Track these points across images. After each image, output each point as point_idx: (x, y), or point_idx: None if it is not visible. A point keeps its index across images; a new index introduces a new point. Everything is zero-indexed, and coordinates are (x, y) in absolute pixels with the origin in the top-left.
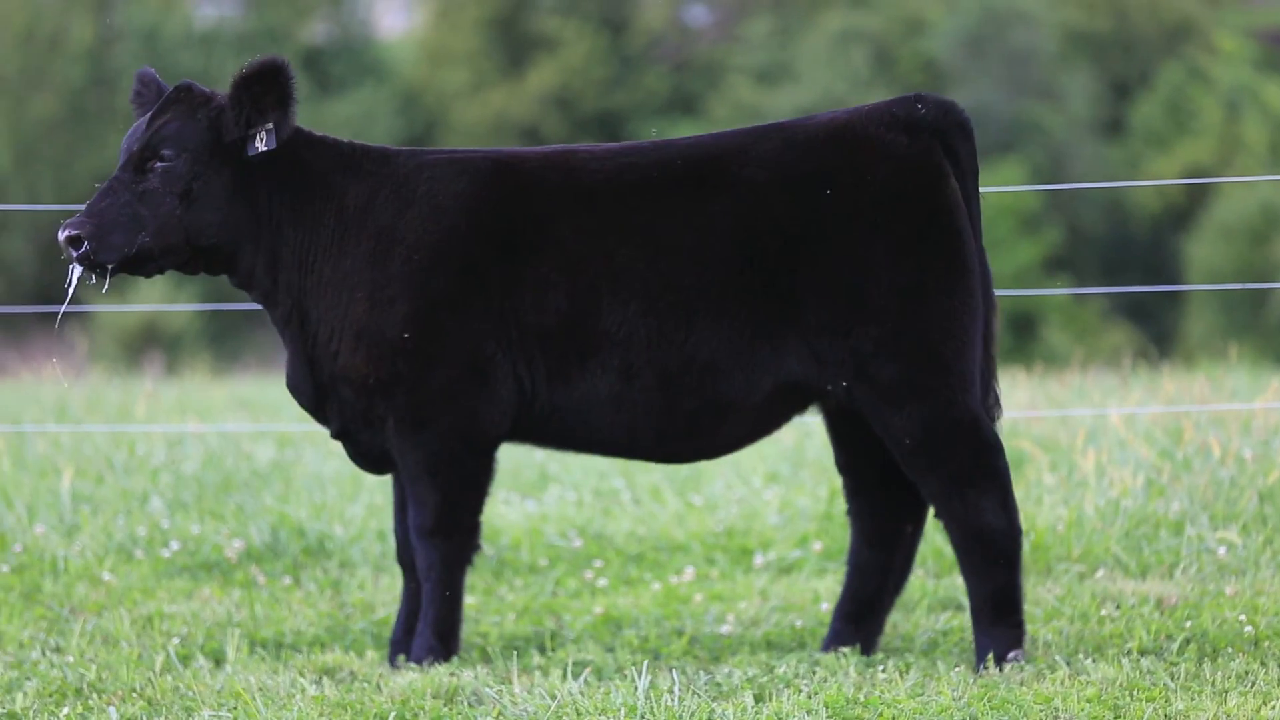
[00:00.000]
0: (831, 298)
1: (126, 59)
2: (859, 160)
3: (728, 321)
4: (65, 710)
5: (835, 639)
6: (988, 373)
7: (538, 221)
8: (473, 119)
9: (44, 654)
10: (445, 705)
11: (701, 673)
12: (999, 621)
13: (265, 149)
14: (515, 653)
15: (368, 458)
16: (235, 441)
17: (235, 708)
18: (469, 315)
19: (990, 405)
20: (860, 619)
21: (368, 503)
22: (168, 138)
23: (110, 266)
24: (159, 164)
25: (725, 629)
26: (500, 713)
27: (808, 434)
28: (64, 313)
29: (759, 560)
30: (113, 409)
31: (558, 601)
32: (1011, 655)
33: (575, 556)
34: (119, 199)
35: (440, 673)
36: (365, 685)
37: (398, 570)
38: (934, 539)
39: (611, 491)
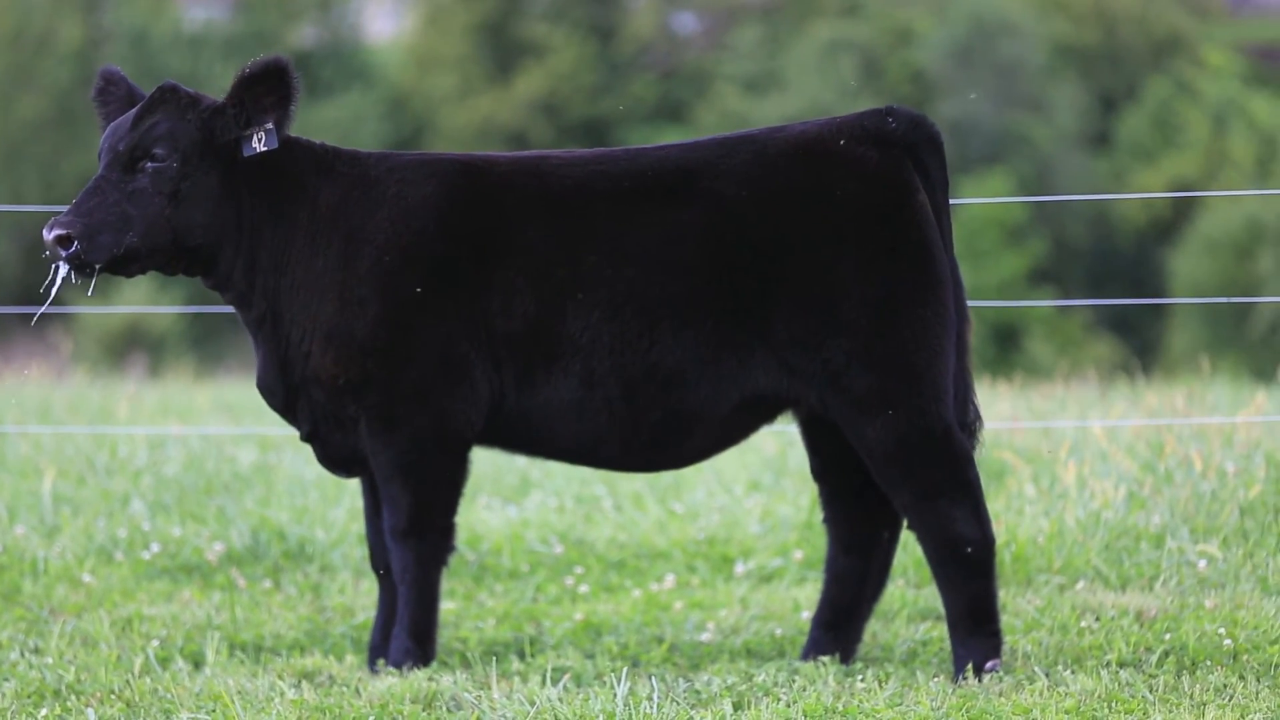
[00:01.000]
0: (802, 310)
1: (115, 60)
2: (829, 175)
3: (693, 332)
4: (44, 712)
5: (814, 647)
6: (965, 385)
7: (506, 225)
8: (460, 124)
9: (23, 655)
10: (424, 710)
11: (681, 680)
12: (976, 631)
13: (264, 149)
14: (495, 658)
15: (336, 460)
16: (217, 444)
17: (214, 710)
18: (440, 315)
19: (970, 419)
20: (839, 627)
21: (349, 507)
22: (160, 138)
23: (98, 267)
24: (150, 164)
25: (705, 636)
26: (479, 718)
27: (790, 443)
28: (43, 312)
29: (740, 568)
30: (95, 410)
31: (538, 607)
32: (989, 665)
33: (556, 562)
34: (107, 199)
35: (419, 678)
36: (344, 689)
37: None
38: (913, 549)
39: (593, 498)
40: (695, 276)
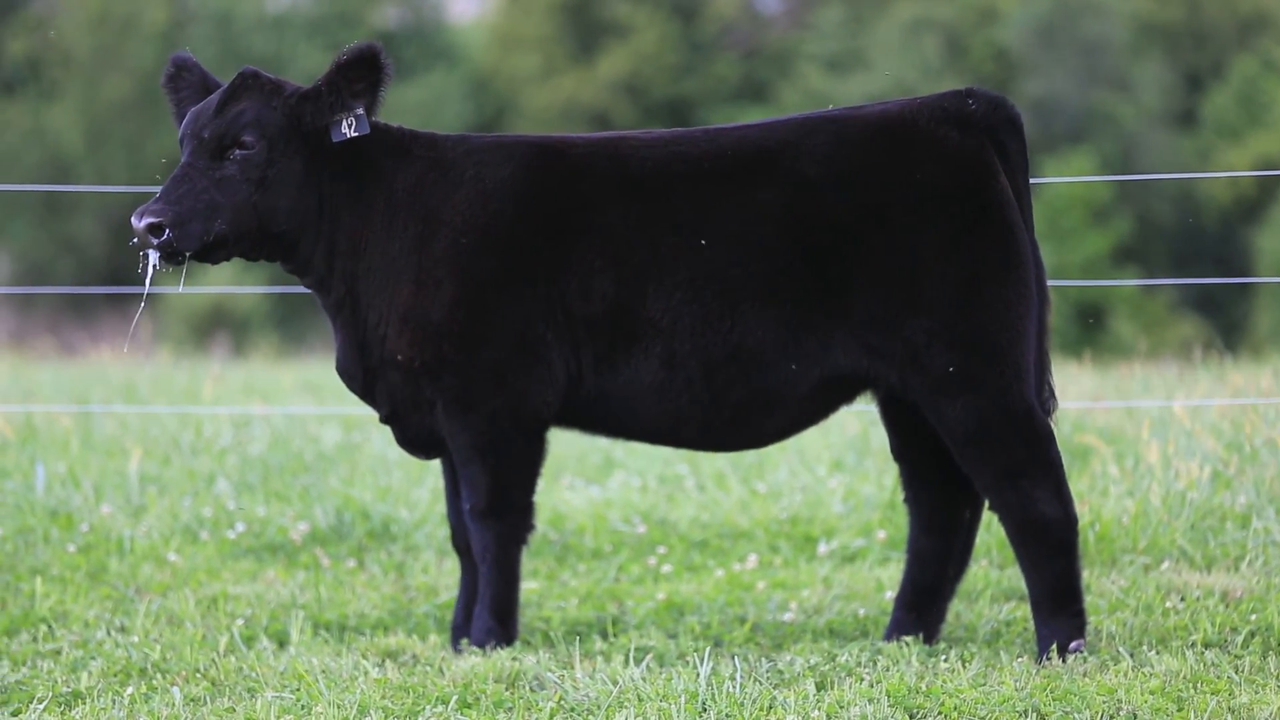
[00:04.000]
0: (883, 291)
1: (199, 41)
2: (910, 155)
3: (774, 313)
4: (129, 690)
5: (896, 628)
6: (1042, 366)
7: (584, 207)
8: (543, 104)
9: (109, 634)
10: (507, 690)
11: (763, 660)
12: (1059, 611)
13: (355, 134)
14: (578, 638)
15: (415, 442)
16: (301, 424)
17: (298, 689)
18: (516, 297)
19: (1045, 398)
20: (921, 607)
21: (432, 486)
22: (248, 124)
23: (188, 255)
24: (239, 151)
25: (788, 616)
26: (562, 698)
27: (872, 422)
28: (144, 302)
29: (822, 548)
30: (180, 391)
31: (621, 587)
32: (1074, 645)
33: (639, 542)
34: (195, 186)
35: (502, 657)
36: (428, 669)
37: None
38: (996, 530)
39: (676, 478)
40: (777, 256)
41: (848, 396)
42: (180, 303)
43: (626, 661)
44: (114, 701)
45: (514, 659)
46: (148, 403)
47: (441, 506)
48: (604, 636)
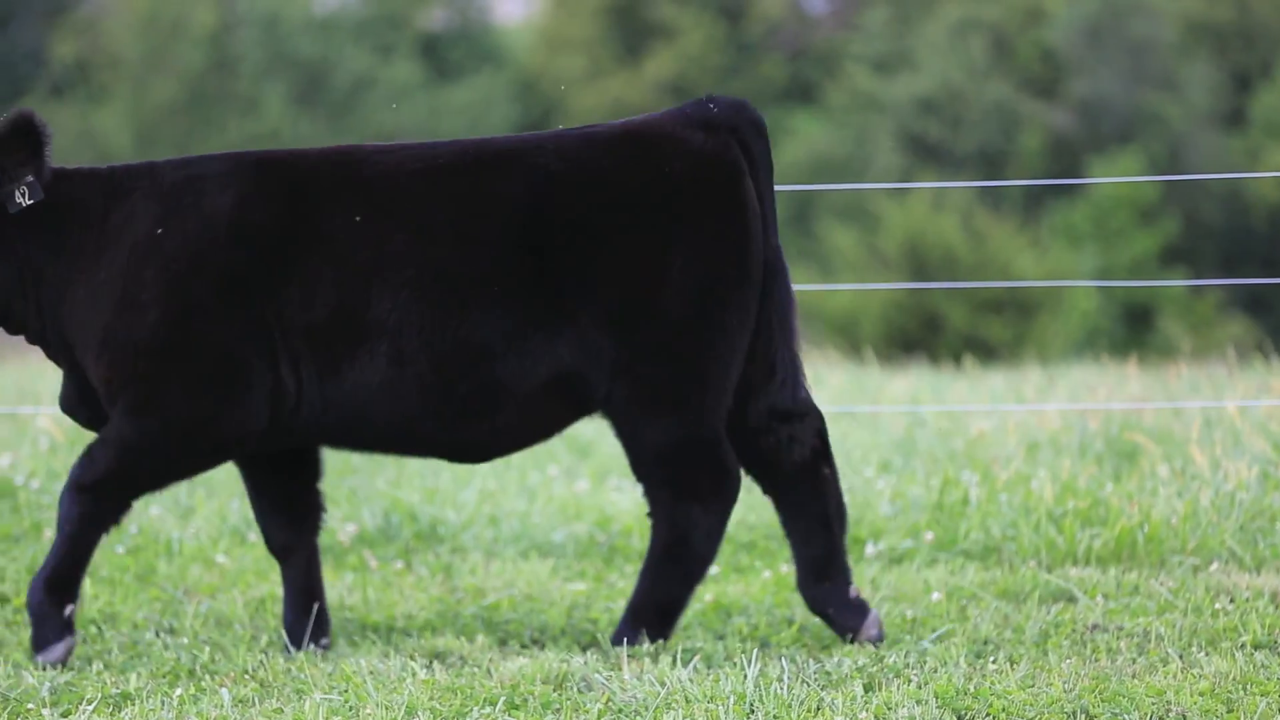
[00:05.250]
0: (614, 294)
1: (247, 44)
2: (655, 155)
3: (502, 307)
4: (178, 691)
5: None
6: (795, 367)
7: (308, 216)
8: (589, 106)
9: (158, 635)
10: (555, 691)
11: (811, 661)
12: (652, 625)
13: (30, 201)
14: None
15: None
16: None
17: (346, 691)
18: (222, 320)
19: (801, 398)
20: (827, 574)
21: (480, 488)
22: None
23: None
24: None
25: None
26: (609, 699)
27: (919, 423)
28: None
29: (870, 549)
30: None
31: None
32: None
33: None
34: None
35: (550, 658)
36: (475, 670)
37: (509, 555)
38: (1048, 533)
39: None
40: (506, 252)
41: (578, 407)
42: None
43: (674, 663)
44: (163, 703)
45: (562, 660)
46: None
47: (489, 508)
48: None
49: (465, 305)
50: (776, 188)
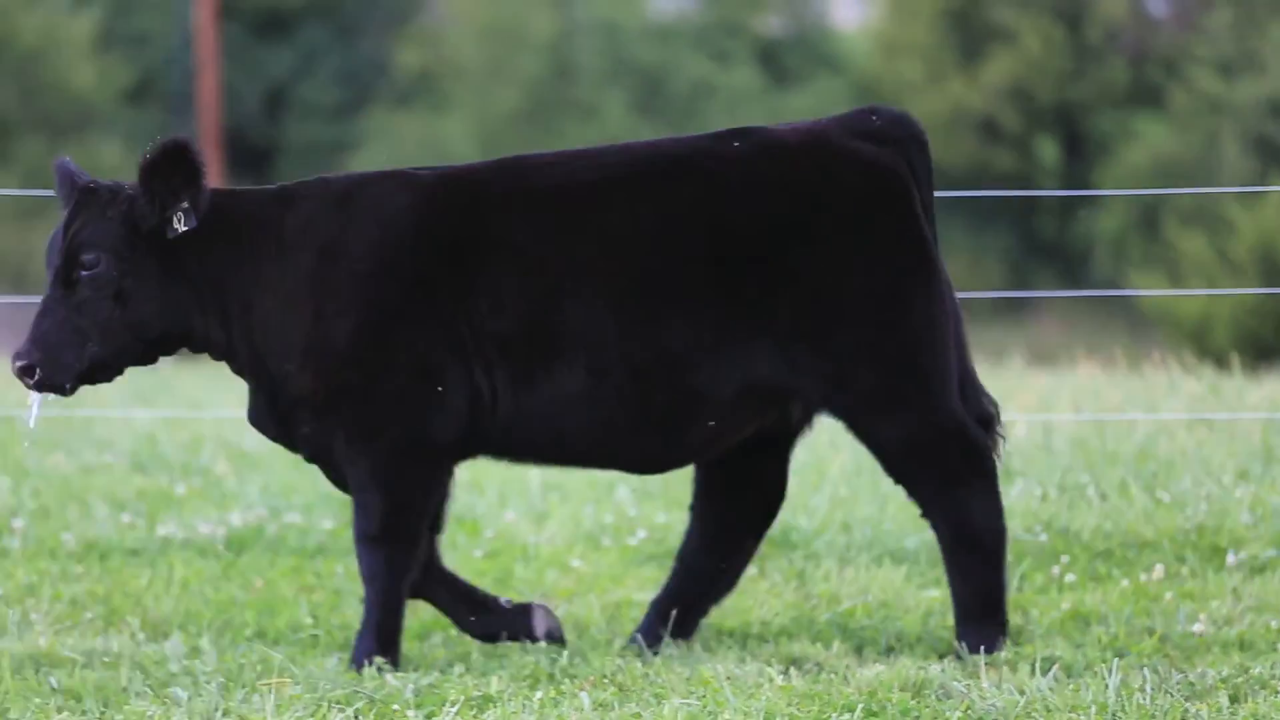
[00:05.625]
0: (805, 304)
1: (586, 53)
2: (832, 165)
3: (697, 317)
4: (538, 694)
5: (646, 629)
6: (969, 378)
7: (490, 226)
8: (929, 111)
9: (517, 639)
10: (913, 699)
11: (1173, 672)
12: (985, 619)
13: (186, 228)
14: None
15: (343, 481)
16: None
17: (704, 696)
18: (417, 323)
19: (985, 405)
20: (675, 616)
21: (831, 494)
22: (85, 244)
23: (67, 386)
24: (84, 272)
25: (1197, 628)
26: (969, 707)
27: (1278, 430)
28: (31, 428)
29: (1231, 559)
30: None
31: (1024, 596)
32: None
33: (1041, 551)
34: (57, 318)
35: (907, 666)
36: (832, 676)
37: (862, 562)
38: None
39: (1077, 486)
40: (696, 263)
41: (769, 411)
42: None
43: (1033, 671)
44: (524, 706)
45: (919, 668)
46: None
47: (840, 514)
48: (1010, 645)
49: (661, 315)
50: (1125, 191)
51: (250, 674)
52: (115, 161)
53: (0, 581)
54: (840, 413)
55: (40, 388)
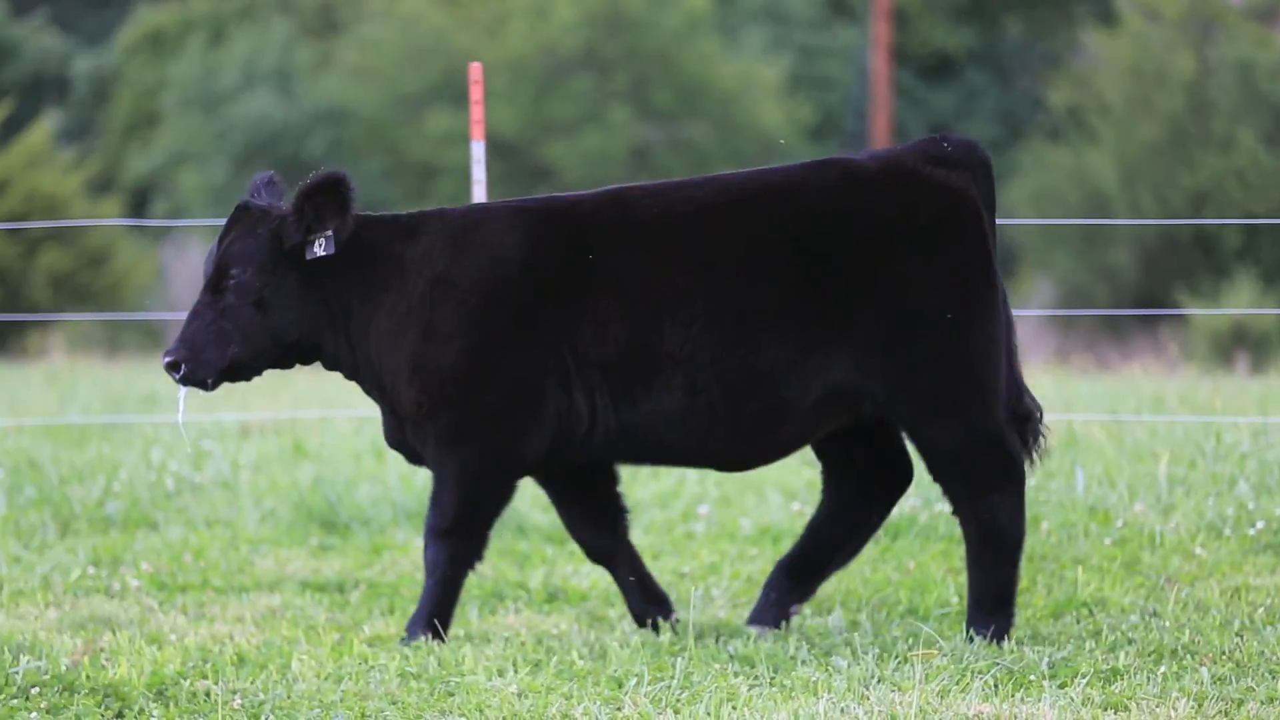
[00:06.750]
0: (883, 317)
1: (1222, 91)
2: (910, 191)
3: (785, 335)
4: (1161, 669)
5: (772, 585)
6: (1018, 384)
7: (593, 258)
8: None
9: (1143, 618)
10: None
11: None
12: (996, 612)
13: (323, 254)
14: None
15: None
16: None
17: None
18: (522, 350)
19: (1030, 409)
20: (800, 577)
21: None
22: (233, 256)
23: (209, 381)
24: (230, 281)
25: None
26: None
27: None
28: (182, 424)
29: None
30: (1203, 402)
31: None
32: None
33: None
34: (204, 320)
35: None
36: None
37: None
38: None
39: None
40: (785, 284)
41: (841, 413)
42: (1205, 323)
43: None
44: (1148, 679)
45: None
46: (1174, 412)
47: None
48: None
49: (752, 335)
50: None
51: (902, 646)
52: None
53: (686, 560)
54: (900, 414)
55: (185, 382)
